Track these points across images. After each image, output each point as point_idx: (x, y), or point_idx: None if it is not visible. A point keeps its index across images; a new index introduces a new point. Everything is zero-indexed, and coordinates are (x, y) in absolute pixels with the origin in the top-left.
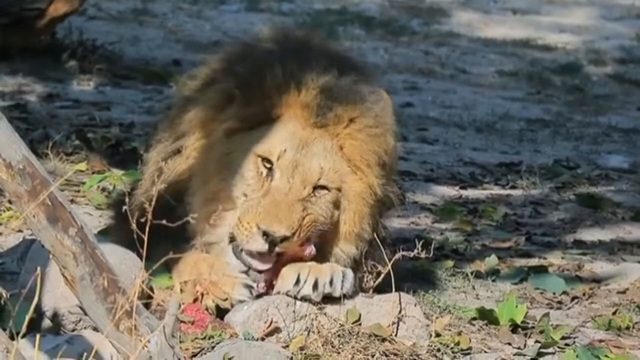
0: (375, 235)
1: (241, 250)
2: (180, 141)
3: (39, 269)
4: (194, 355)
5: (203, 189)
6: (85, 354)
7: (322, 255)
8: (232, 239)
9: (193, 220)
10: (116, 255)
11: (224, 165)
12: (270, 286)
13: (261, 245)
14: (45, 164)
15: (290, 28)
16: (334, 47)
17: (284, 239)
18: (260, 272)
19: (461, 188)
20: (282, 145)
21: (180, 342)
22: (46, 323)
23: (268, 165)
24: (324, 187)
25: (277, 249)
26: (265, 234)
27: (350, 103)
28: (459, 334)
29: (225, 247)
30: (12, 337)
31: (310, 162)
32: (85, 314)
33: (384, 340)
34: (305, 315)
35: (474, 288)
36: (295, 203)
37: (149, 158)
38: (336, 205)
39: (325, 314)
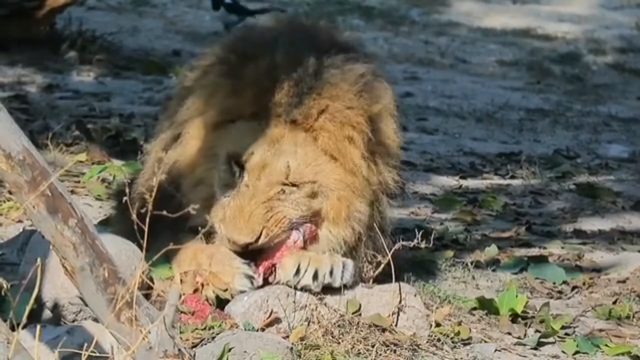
0: (375, 225)
1: None
2: (178, 129)
3: (39, 259)
4: (194, 346)
5: (192, 173)
6: (85, 345)
7: (316, 241)
8: None
9: (194, 212)
10: (116, 246)
11: (209, 157)
12: (266, 277)
13: (231, 247)
14: (45, 154)
15: (295, 15)
16: (335, 34)
17: (248, 243)
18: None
19: (461, 178)
20: (251, 146)
21: (181, 332)
22: (46, 314)
23: (240, 165)
24: (292, 184)
25: (251, 248)
26: (229, 240)
27: (320, 93)
28: (459, 324)
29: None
30: (12, 328)
31: (277, 161)
32: (86, 305)
33: (384, 330)
34: (306, 306)
35: (474, 278)
36: (258, 207)
37: (149, 149)
38: (313, 196)
39: (325, 304)
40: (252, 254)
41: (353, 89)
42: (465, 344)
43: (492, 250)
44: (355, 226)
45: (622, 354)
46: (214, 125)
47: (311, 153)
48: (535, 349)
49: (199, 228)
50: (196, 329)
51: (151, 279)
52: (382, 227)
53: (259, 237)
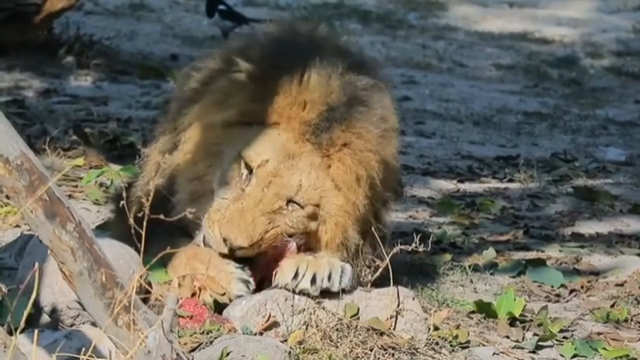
0: (372, 230)
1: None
2: (180, 136)
3: (37, 264)
4: (193, 350)
5: (191, 168)
6: (83, 349)
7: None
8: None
9: (190, 215)
10: (114, 250)
11: (212, 153)
12: (260, 282)
13: (222, 248)
14: (42, 159)
15: (296, 21)
16: (341, 43)
17: (242, 248)
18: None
19: (459, 181)
20: (267, 154)
21: (179, 336)
22: (44, 318)
23: (249, 168)
24: (298, 203)
25: (238, 254)
26: (224, 239)
27: (349, 126)
28: (457, 327)
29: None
30: (10, 333)
31: (290, 176)
32: (84, 309)
33: (382, 334)
34: (304, 310)
35: (472, 281)
36: (261, 216)
37: (148, 153)
38: (312, 218)
39: (323, 308)
40: (239, 260)
41: (376, 132)
42: (463, 348)
43: (490, 254)
44: (345, 252)
45: (620, 357)
46: (225, 123)
47: (322, 178)
48: (533, 352)
49: (195, 232)
50: (194, 333)
51: (149, 283)
52: (382, 236)
53: (253, 245)
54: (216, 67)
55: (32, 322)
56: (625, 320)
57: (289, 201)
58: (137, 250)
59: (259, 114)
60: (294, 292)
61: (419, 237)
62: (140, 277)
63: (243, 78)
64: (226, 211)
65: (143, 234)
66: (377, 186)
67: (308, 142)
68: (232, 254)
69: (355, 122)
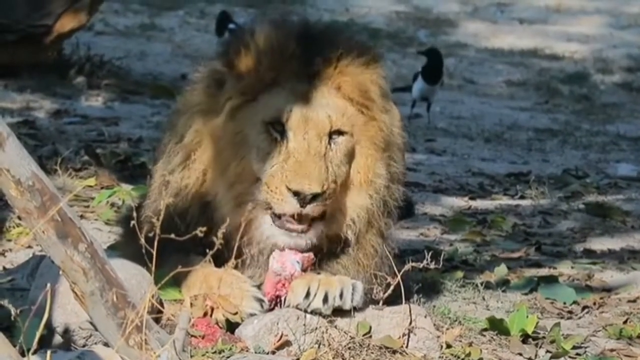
0: (384, 247)
1: (275, 214)
2: (184, 149)
3: (49, 285)
4: None
5: (224, 175)
6: None
7: (332, 215)
8: (267, 207)
9: (201, 234)
10: (125, 270)
11: (238, 144)
12: (274, 302)
13: (294, 207)
14: (54, 180)
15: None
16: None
17: (315, 196)
18: (296, 231)
19: (470, 199)
20: (287, 105)
21: (191, 356)
22: (57, 339)
23: (279, 129)
24: (339, 133)
25: (308, 208)
26: (296, 193)
27: (334, 42)
28: (470, 344)
29: (260, 217)
30: (22, 354)
31: (317, 113)
32: (96, 330)
33: (394, 352)
34: (316, 328)
35: (484, 299)
36: (320, 161)
37: (154, 170)
38: (351, 155)
39: (335, 326)
40: (303, 220)
41: (357, 43)
42: None
43: (502, 271)
44: (374, 193)
45: None
46: (233, 110)
47: (340, 102)
48: None
49: (207, 250)
50: (207, 352)
51: (161, 303)
52: (392, 249)
53: (324, 190)
54: (205, 77)
55: (45, 343)
56: (638, 337)
57: (330, 136)
58: (149, 269)
59: (256, 84)
60: (305, 311)
61: (430, 254)
62: (152, 296)
63: (227, 65)
64: (284, 170)
65: (154, 253)
66: (382, 89)
67: (310, 78)
68: (303, 208)
69: (337, 38)
